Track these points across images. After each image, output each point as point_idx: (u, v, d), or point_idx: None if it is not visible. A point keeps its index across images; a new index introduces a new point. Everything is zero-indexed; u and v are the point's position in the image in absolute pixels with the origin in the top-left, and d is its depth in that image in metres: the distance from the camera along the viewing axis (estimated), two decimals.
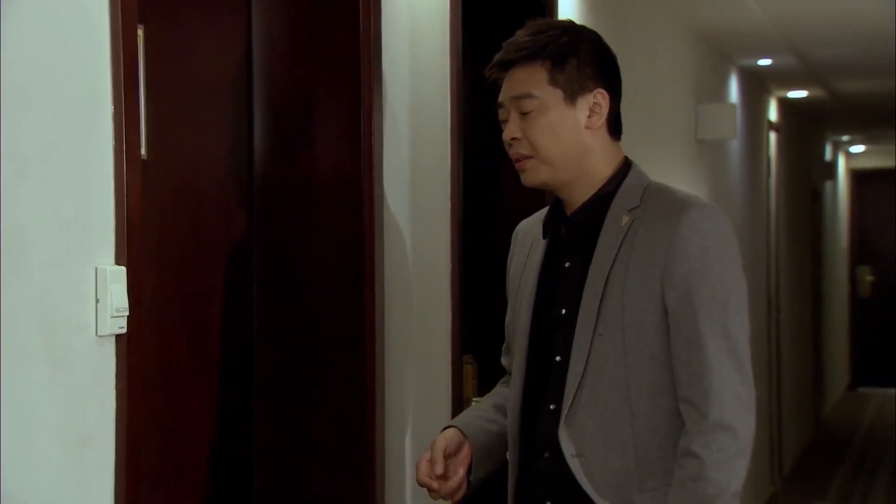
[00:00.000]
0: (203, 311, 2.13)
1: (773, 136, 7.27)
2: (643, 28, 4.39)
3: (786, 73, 6.58)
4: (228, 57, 2.20)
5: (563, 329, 1.77)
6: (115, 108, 1.58)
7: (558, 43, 1.77)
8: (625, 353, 1.72)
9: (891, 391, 10.70)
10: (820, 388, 9.36)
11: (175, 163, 2.04)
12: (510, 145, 1.80)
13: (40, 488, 1.47)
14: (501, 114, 1.81)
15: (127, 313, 1.58)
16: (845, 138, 10.68)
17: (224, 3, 2.20)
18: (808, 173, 8.91)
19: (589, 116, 1.78)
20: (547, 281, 1.82)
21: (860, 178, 12.06)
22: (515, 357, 1.86)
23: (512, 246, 1.96)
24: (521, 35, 1.80)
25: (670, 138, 4.85)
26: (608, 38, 1.85)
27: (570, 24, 1.84)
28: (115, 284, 1.56)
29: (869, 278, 11.73)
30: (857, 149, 11.50)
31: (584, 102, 1.78)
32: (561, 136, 1.77)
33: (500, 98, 1.81)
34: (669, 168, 4.63)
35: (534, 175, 1.79)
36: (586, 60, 1.78)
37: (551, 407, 1.76)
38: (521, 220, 1.98)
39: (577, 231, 1.81)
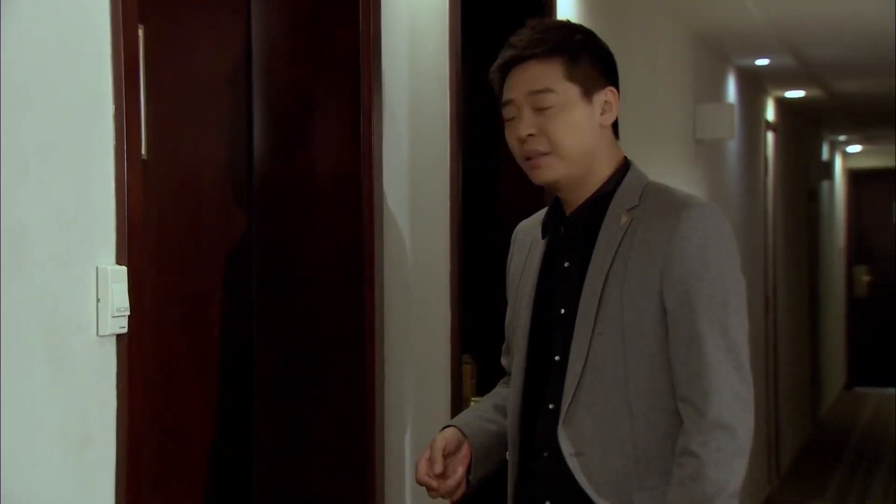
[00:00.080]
0: (202, 311, 2.13)
1: (770, 136, 7.28)
2: (642, 28, 4.39)
3: (783, 73, 6.58)
4: (228, 57, 2.20)
5: (562, 329, 1.77)
6: (115, 108, 1.58)
7: (573, 40, 1.78)
8: (624, 352, 1.72)
9: (887, 390, 10.72)
10: (817, 388, 9.37)
11: (175, 163, 2.04)
12: (524, 142, 1.77)
13: (40, 488, 1.47)
14: (509, 111, 1.79)
15: (128, 313, 1.58)
16: (842, 138, 10.69)
17: (224, 3, 2.20)
18: (805, 173, 8.93)
19: (602, 114, 1.79)
20: (546, 281, 1.83)
21: (857, 178, 12.08)
22: (515, 357, 1.86)
23: (511, 246, 1.96)
24: (529, 32, 1.79)
25: (668, 138, 4.86)
26: (607, 38, 1.85)
27: (572, 23, 1.84)
28: (116, 284, 1.56)
29: (865, 278, 11.74)
30: (854, 149, 11.51)
31: (598, 99, 1.79)
32: (581, 132, 1.77)
33: (511, 95, 1.78)
34: (668, 168, 4.63)
35: (549, 172, 1.77)
36: (597, 58, 1.80)
37: (550, 406, 1.77)
38: (521, 220, 1.98)
39: (576, 231, 1.81)
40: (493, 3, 3.00)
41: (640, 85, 4.14)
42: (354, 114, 2.19)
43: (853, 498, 6.99)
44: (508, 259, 1.96)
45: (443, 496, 1.86)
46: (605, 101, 1.79)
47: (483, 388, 2.74)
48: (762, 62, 6.23)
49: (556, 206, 1.85)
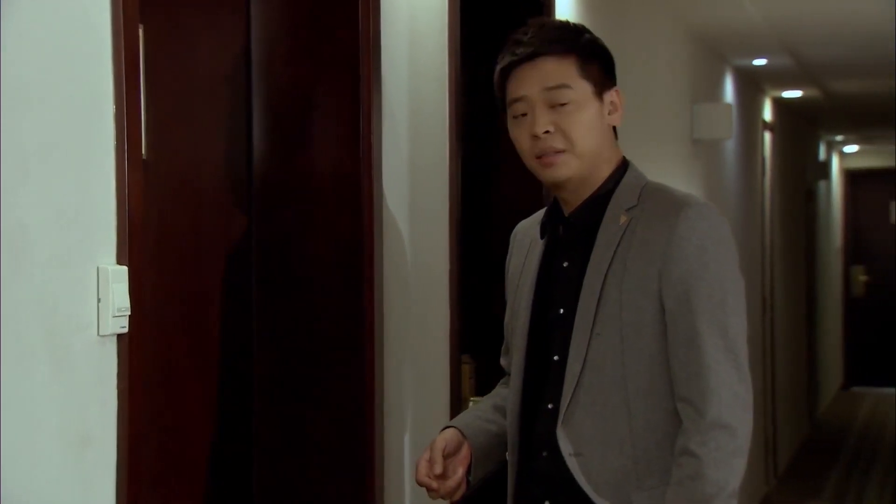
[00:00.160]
0: (202, 311, 2.13)
1: (767, 136, 7.28)
2: (640, 28, 4.39)
3: (780, 73, 6.59)
4: (228, 57, 2.20)
5: (561, 329, 1.77)
6: (116, 108, 1.58)
7: (585, 38, 1.79)
8: (622, 352, 1.72)
9: (884, 390, 10.74)
10: (814, 388, 9.37)
11: (175, 163, 2.04)
12: (539, 139, 1.76)
13: (41, 488, 1.47)
14: (519, 107, 1.78)
15: (128, 313, 1.58)
16: (839, 138, 10.71)
17: (224, 3, 2.20)
18: (802, 173, 8.93)
19: (609, 113, 1.79)
20: (545, 281, 1.83)
21: (854, 178, 12.09)
22: (514, 357, 1.86)
23: (510, 246, 1.96)
24: (538, 30, 1.78)
25: (666, 138, 4.86)
26: (605, 38, 1.86)
27: (576, 24, 1.84)
28: (117, 284, 1.56)
29: (862, 278, 11.76)
30: (851, 149, 11.53)
31: (606, 99, 1.79)
32: (594, 130, 1.77)
33: (523, 91, 1.76)
34: (665, 167, 4.64)
35: (564, 170, 1.76)
36: (603, 58, 1.80)
37: (549, 406, 1.77)
38: (520, 220, 1.98)
39: (575, 231, 1.81)
40: (493, 3, 3.00)
41: (639, 85, 4.14)
42: (354, 114, 2.19)
43: (850, 498, 6.99)
44: (507, 259, 1.96)
45: (443, 497, 1.86)
46: (612, 101, 1.80)
47: (482, 388, 2.74)
48: (760, 62, 6.23)
49: (555, 206, 1.85)
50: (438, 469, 1.81)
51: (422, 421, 2.46)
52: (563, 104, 1.75)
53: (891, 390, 10.53)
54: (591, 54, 1.78)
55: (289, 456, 2.22)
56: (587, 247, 1.77)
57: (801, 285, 8.74)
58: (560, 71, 1.75)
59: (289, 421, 2.22)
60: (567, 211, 1.82)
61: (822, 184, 10.01)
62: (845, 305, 11.65)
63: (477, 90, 2.84)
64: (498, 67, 1.80)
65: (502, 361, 1.99)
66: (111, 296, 1.55)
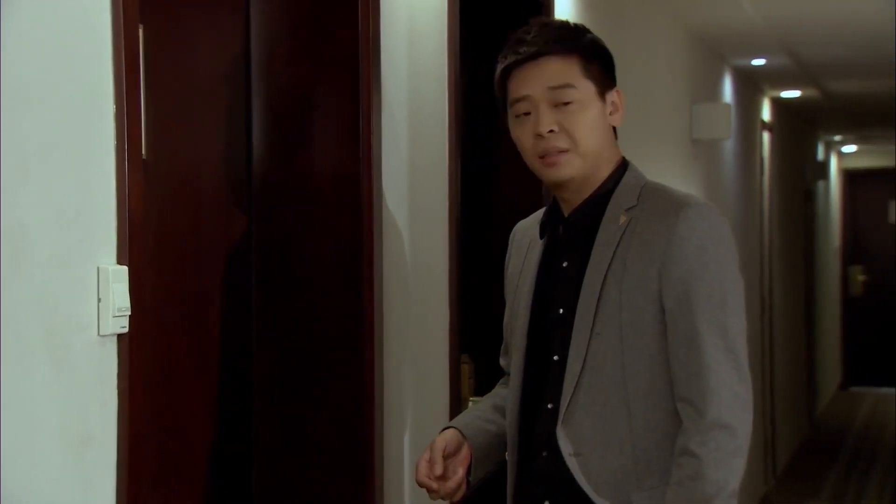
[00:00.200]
0: (202, 311, 2.13)
1: (766, 136, 7.28)
2: (639, 28, 4.39)
3: (779, 73, 6.59)
4: (228, 57, 2.20)
5: (560, 329, 1.77)
6: (116, 108, 1.58)
7: (587, 38, 1.79)
8: (622, 352, 1.72)
9: (883, 390, 10.75)
10: (813, 388, 9.38)
11: (174, 163, 2.04)
12: (543, 138, 1.75)
13: (41, 488, 1.47)
14: (522, 107, 1.77)
15: (129, 313, 1.58)
16: (837, 138, 10.71)
17: (224, 3, 2.20)
18: (800, 173, 8.94)
19: (611, 113, 1.80)
20: (545, 281, 1.83)
21: (852, 178, 12.10)
22: (514, 357, 1.86)
23: (509, 246, 1.96)
24: (541, 29, 1.78)
25: (666, 138, 4.86)
26: (604, 38, 1.86)
27: (577, 24, 1.84)
28: (117, 284, 1.56)
29: (861, 278, 11.77)
30: (849, 149, 11.53)
31: (609, 99, 1.79)
32: (597, 130, 1.77)
33: (526, 90, 1.76)
34: (664, 167, 4.64)
35: (567, 170, 1.76)
36: (605, 59, 1.80)
37: (549, 406, 1.77)
38: (519, 220, 1.98)
39: (574, 231, 1.81)
40: (492, 3, 3.00)
41: (638, 85, 4.15)
42: (354, 114, 2.20)
43: (849, 498, 7.00)
44: (506, 259, 1.96)
45: (443, 498, 1.86)
46: (613, 101, 1.80)
47: (481, 388, 2.75)
48: (758, 62, 6.24)
49: (554, 206, 1.85)
50: (439, 470, 1.81)
51: (421, 421, 2.46)
52: (566, 103, 1.75)
53: (889, 390, 10.54)
54: (592, 54, 1.79)
55: (289, 456, 2.22)
56: (587, 247, 1.77)
57: (800, 285, 8.74)
58: (564, 70, 1.75)
59: (289, 421, 2.22)
60: (567, 211, 1.82)
61: (820, 184, 10.02)
62: (844, 305, 11.66)
63: (476, 90, 2.84)
64: (500, 66, 1.80)
65: (501, 361, 1.99)
66: (111, 296, 1.55)
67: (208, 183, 2.15)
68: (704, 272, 1.71)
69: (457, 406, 2.61)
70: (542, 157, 1.77)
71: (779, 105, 7.83)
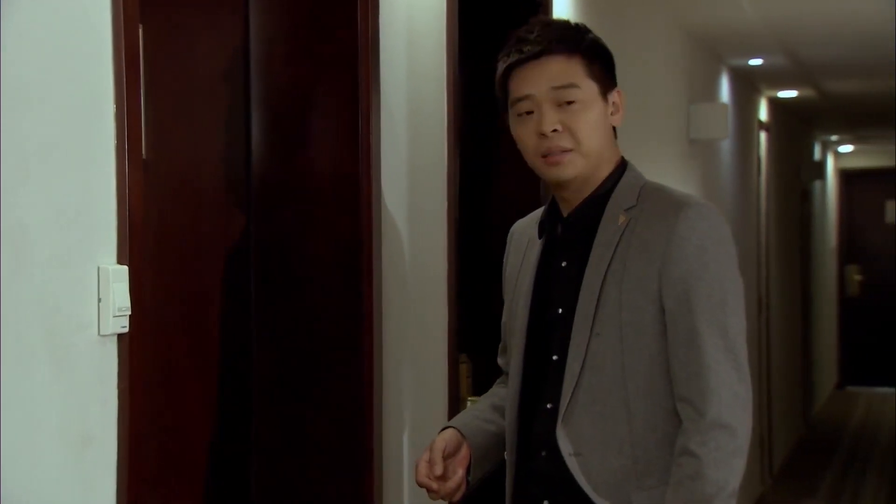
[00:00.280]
0: (202, 311, 2.13)
1: (763, 136, 7.29)
2: (638, 28, 4.40)
3: (776, 73, 6.60)
4: (227, 57, 2.20)
5: (560, 328, 1.77)
6: (116, 108, 1.58)
7: (589, 38, 1.79)
8: (622, 352, 1.72)
9: (879, 390, 10.76)
10: (809, 387, 9.39)
11: (175, 163, 2.04)
12: (546, 137, 1.75)
13: (41, 488, 1.47)
14: (524, 106, 1.77)
15: (129, 313, 1.58)
16: (834, 138, 10.72)
17: (223, 3, 2.20)
18: (797, 173, 8.94)
19: (612, 114, 1.80)
20: (544, 280, 1.83)
21: (848, 178, 12.11)
22: (513, 357, 1.86)
23: (508, 246, 1.95)
24: (543, 28, 1.78)
25: (663, 138, 4.87)
26: (603, 38, 1.86)
27: (578, 23, 1.84)
28: (117, 284, 1.56)
29: (857, 277, 11.78)
30: (846, 149, 11.55)
31: (611, 99, 1.80)
32: (600, 130, 1.77)
33: (530, 89, 1.76)
34: (662, 167, 4.64)
35: (570, 169, 1.76)
36: (606, 59, 1.81)
37: (548, 406, 1.77)
38: (518, 219, 1.98)
39: (573, 230, 1.81)
40: (491, 3, 3.00)
41: (636, 84, 4.15)
42: (353, 114, 2.20)
43: (845, 497, 7.01)
44: (504, 259, 1.96)
45: (443, 498, 1.86)
46: (614, 101, 1.80)
47: (480, 388, 2.74)
48: (755, 62, 6.24)
49: (553, 205, 1.85)
50: (438, 470, 1.81)
51: (420, 420, 2.46)
52: (569, 103, 1.75)
53: (886, 389, 10.56)
54: (595, 54, 1.79)
55: (288, 456, 2.23)
56: (586, 246, 1.77)
57: (797, 285, 8.75)
58: (568, 70, 1.76)
59: (288, 421, 2.22)
60: (566, 210, 1.82)
61: (817, 184, 10.03)
62: (840, 305, 11.67)
63: (475, 90, 2.84)
64: (502, 65, 1.80)
65: (499, 361, 1.99)
66: (111, 295, 1.55)
67: (208, 183, 2.15)
68: (704, 272, 1.71)
69: (455, 405, 2.61)
70: (544, 157, 1.77)
71: (776, 105, 7.84)
